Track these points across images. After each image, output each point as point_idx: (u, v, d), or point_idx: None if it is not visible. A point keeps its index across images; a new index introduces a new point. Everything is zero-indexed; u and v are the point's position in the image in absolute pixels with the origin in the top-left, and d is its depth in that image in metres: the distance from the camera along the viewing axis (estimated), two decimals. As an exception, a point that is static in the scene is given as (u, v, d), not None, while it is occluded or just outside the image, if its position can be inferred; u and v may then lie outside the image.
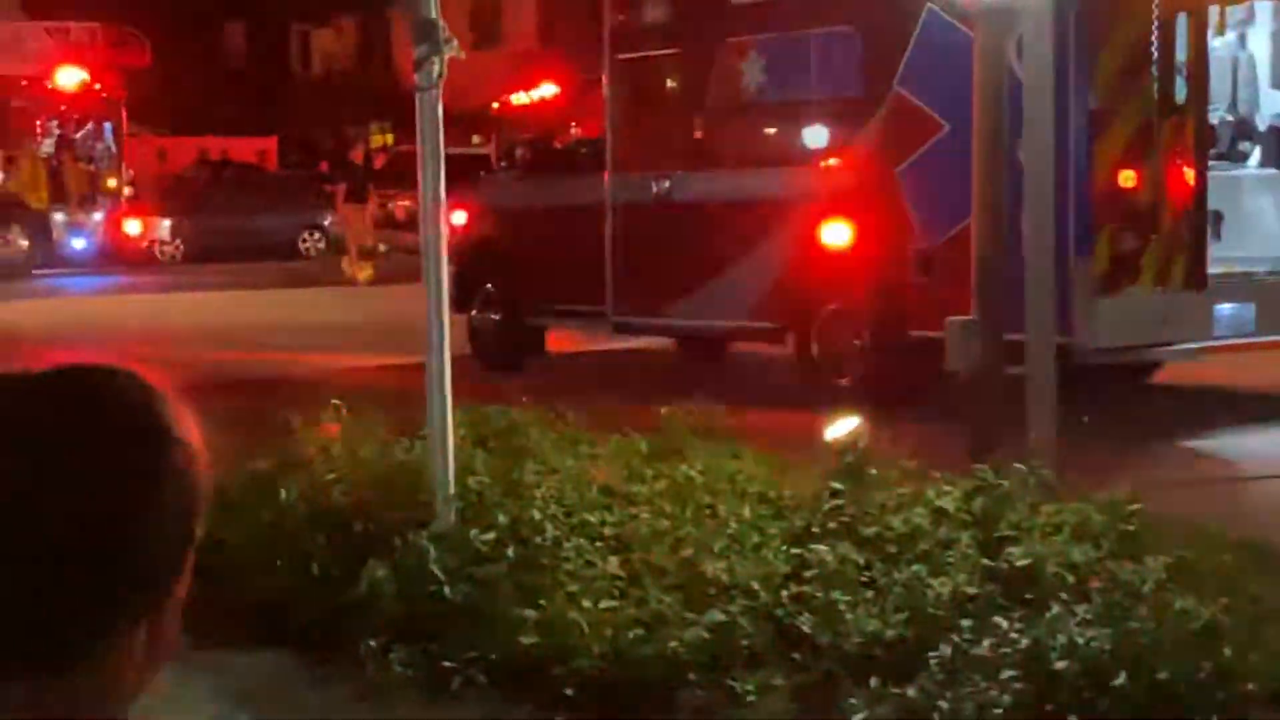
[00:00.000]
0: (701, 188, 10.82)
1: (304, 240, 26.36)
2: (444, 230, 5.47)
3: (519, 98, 17.73)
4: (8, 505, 1.07)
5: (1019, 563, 4.93)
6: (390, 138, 27.74)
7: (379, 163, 26.63)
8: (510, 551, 5.09)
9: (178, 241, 25.46)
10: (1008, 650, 4.29)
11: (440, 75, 5.19)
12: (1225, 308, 9.07)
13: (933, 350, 8.39)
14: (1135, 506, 5.33)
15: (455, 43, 5.20)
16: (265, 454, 6.12)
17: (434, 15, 5.05)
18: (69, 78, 24.07)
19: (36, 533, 1.07)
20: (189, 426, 1.13)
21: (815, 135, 10.45)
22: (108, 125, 25.20)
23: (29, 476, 1.07)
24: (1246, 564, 5.40)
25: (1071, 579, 4.81)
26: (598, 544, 5.21)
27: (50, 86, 24.28)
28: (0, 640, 1.08)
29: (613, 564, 5.00)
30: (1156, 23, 8.71)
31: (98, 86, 24.76)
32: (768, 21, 10.48)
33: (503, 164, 13.60)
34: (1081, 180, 8.49)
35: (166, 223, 25.53)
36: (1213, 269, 9.29)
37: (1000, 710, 4.08)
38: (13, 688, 1.09)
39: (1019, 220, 6.95)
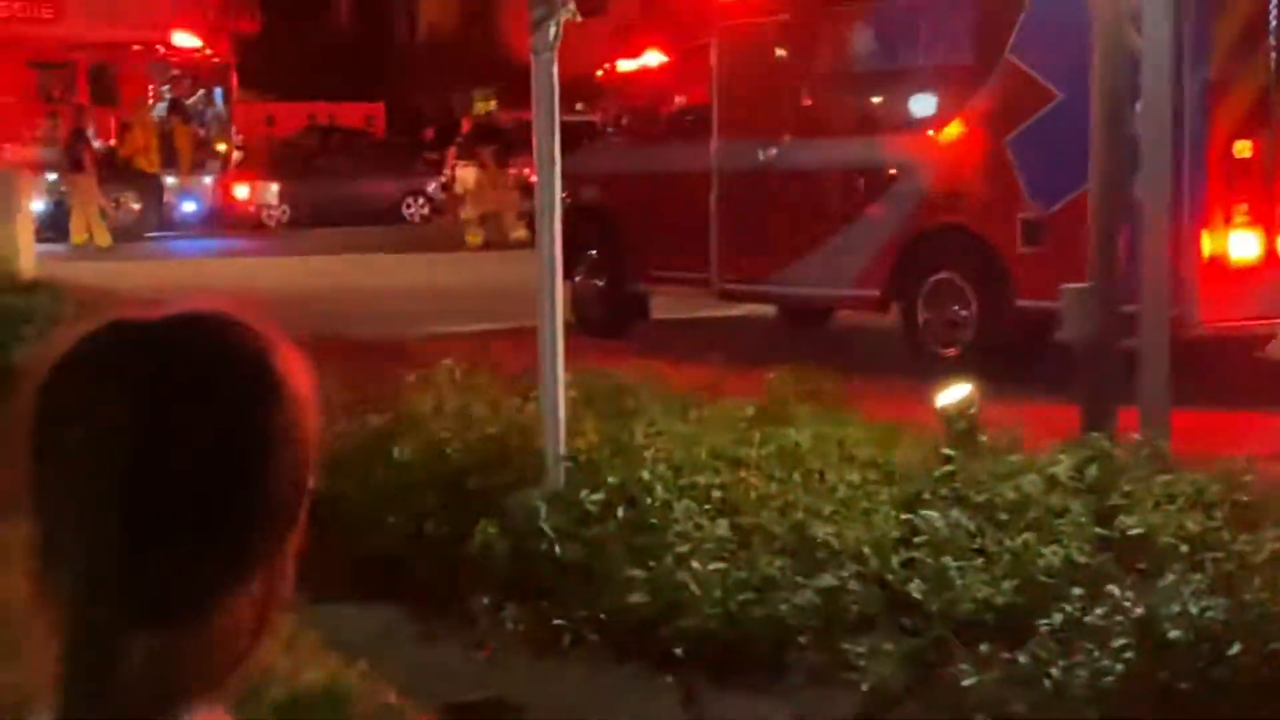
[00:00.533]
0: (809, 155, 10.72)
1: (408, 205, 26.52)
2: (558, 193, 5.49)
3: (625, 65, 17.72)
4: (115, 454, 1.06)
5: (1132, 531, 4.90)
6: (494, 104, 27.53)
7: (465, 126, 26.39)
8: (619, 512, 5.13)
9: (284, 206, 25.52)
10: (1120, 619, 4.24)
11: (556, 37, 5.23)
12: None
13: (1041, 320, 8.41)
14: (1250, 476, 5.28)
15: (571, 5, 5.23)
16: (379, 412, 6.17)
17: None
18: (181, 43, 24.40)
19: (147, 483, 1.06)
20: (302, 377, 1.11)
21: (924, 103, 10.31)
22: (218, 90, 25.67)
23: (137, 426, 1.06)
24: None
25: (1185, 548, 4.76)
26: (706, 506, 5.20)
27: (163, 51, 24.66)
28: (113, 596, 1.07)
29: (722, 526, 5.01)
30: None
31: (209, 52, 25.16)
32: None
33: (609, 131, 13.49)
34: (1197, 151, 8.31)
35: (274, 187, 25.57)
36: None
37: (1112, 678, 4.04)
38: (128, 645, 1.08)
39: (1132, 191, 6.86)
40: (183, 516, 1.06)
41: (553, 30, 5.24)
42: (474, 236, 20.54)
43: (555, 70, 5.42)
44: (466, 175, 22.26)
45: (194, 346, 1.09)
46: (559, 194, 5.53)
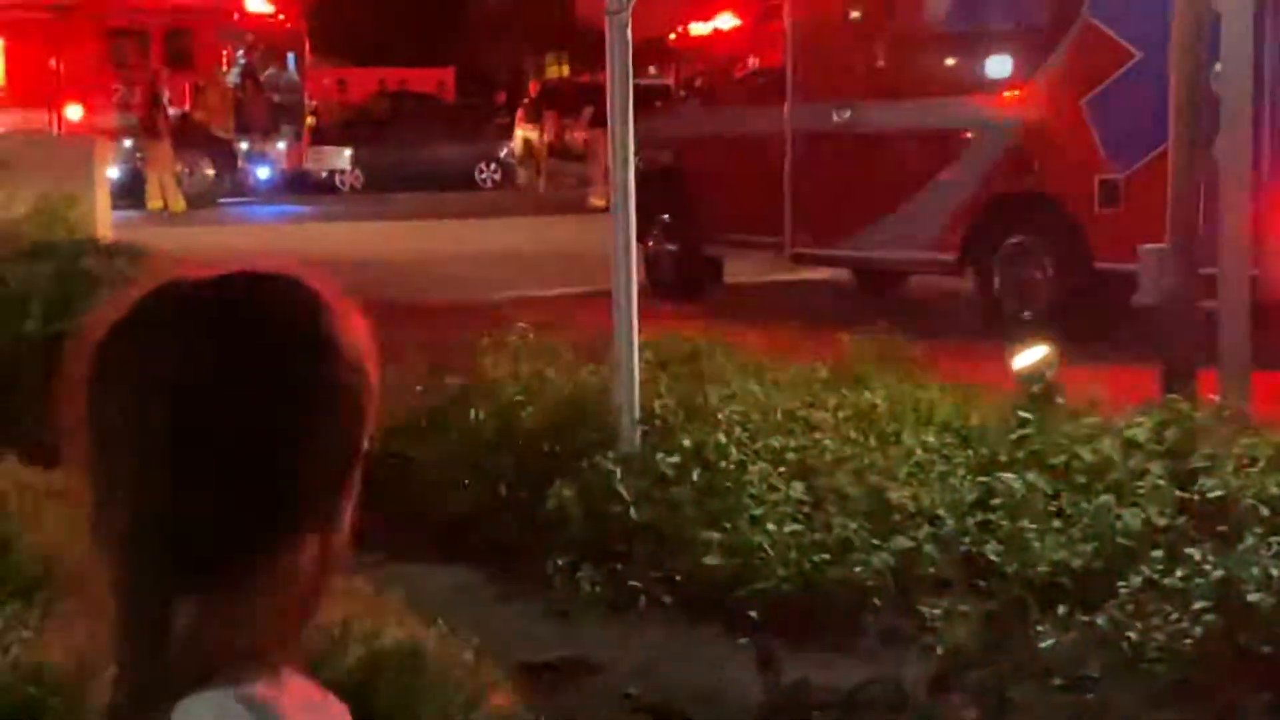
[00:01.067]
0: (883, 117, 10.78)
1: (480, 171, 26.76)
2: (631, 157, 5.47)
3: (698, 28, 17.78)
4: (161, 411, 1.07)
5: (1212, 494, 4.87)
6: (566, 69, 28.60)
7: (532, 91, 27.55)
8: (694, 474, 5.14)
9: (357, 171, 25.85)
10: (1200, 581, 4.25)
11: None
12: None
13: (1118, 282, 8.46)
14: None
15: None
16: (455, 376, 6.21)
17: None
18: (254, 8, 24.70)
19: (192, 440, 1.07)
20: (358, 338, 1.11)
21: (1001, 64, 10.27)
22: (291, 56, 25.73)
23: (182, 383, 1.07)
24: None
25: (1266, 511, 4.73)
26: (781, 469, 5.22)
27: (236, 17, 24.84)
28: (160, 554, 1.09)
29: (797, 489, 5.01)
30: None
31: (281, 17, 25.41)
32: None
33: (682, 94, 13.63)
34: (1277, 111, 8.27)
35: (347, 152, 25.82)
36: None
37: (1190, 641, 4.04)
38: (184, 604, 1.09)
39: (1211, 151, 6.83)
40: (228, 474, 1.07)
41: None
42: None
43: (629, 32, 5.41)
44: (530, 137, 22.94)
45: (242, 305, 1.10)
46: (632, 158, 5.49)
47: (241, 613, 1.10)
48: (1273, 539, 4.51)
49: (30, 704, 2.77)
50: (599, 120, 20.81)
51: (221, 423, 1.07)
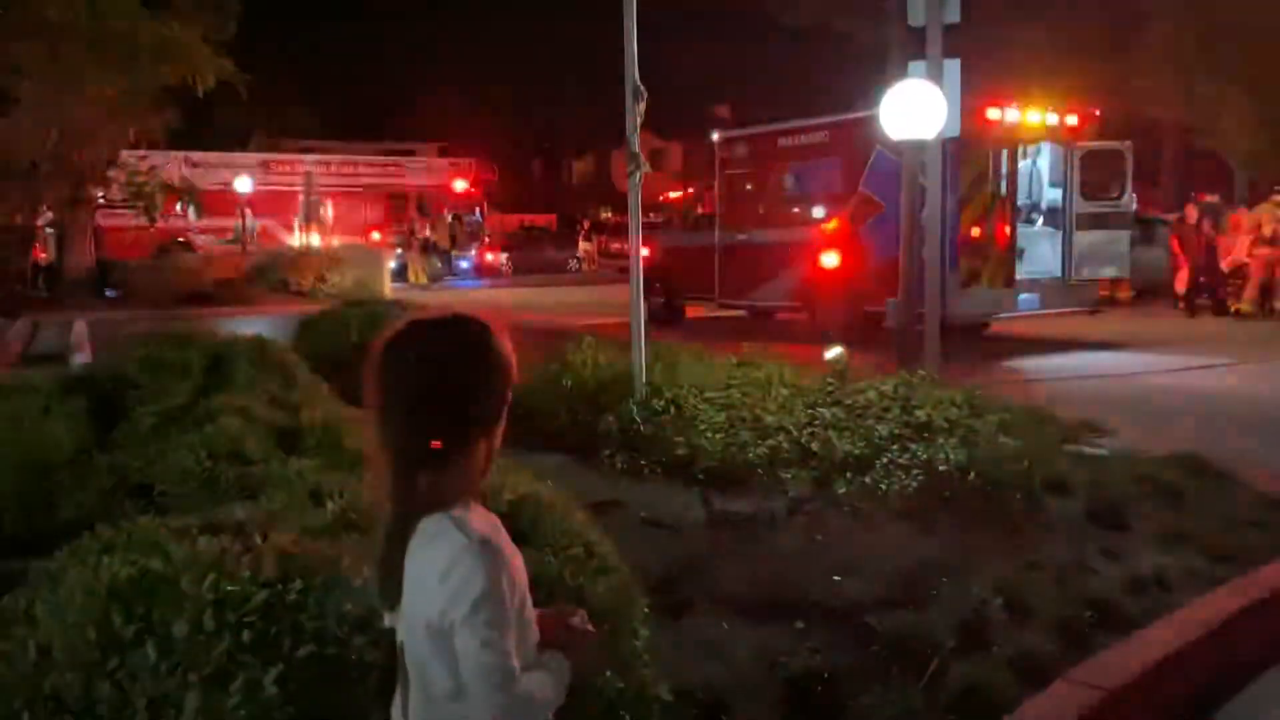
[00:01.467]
0: (764, 236, 15.29)
1: (570, 264, 38.44)
2: (640, 257, 6.82)
3: (673, 194, 25.10)
4: (409, 382, 1.53)
5: (921, 418, 5.95)
6: (609, 212, 44.27)
7: (584, 225, 42.72)
8: (671, 411, 6.17)
9: (510, 264, 36.32)
10: (915, 459, 5.29)
11: (639, 179, 6.52)
12: (1023, 296, 12.93)
13: (877, 316, 12.94)
14: (978, 390, 6.76)
15: (646, 164, 6.53)
16: (555, 361, 7.15)
17: (636, 150, 6.39)
18: (458, 187, 36.11)
19: (423, 397, 1.53)
20: (505, 343, 1.59)
21: (821, 210, 14.60)
22: (478, 208, 36.51)
23: (417, 367, 1.54)
24: (1038, 421, 6.71)
25: (947, 425, 5.80)
26: (714, 406, 6.24)
27: (451, 189, 36.15)
28: (409, 449, 1.53)
29: (721, 417, 6.06)
30: (990, 153, 12.49)
31: (472, 189, 36.67)
32: (797, 156, 14.71)
33: (668, 225, 18.38)
34: (953, 233, 11.75)
35: (504, 255, 36.76)
36: (1018, 277, 13.32)
37: (912, 489, 5.07)
38: (421, 474, 1.54)
39: (921, 253, 9.39)
40: (440, 414, 1.53)
41: (638, 175, 6.47)
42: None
43: (639, 196, 6.59)
44: (587, 247, 37.90)
45: (450, 325, 1.58)
46: (641, 258, 6.87)
47: (449, 477, 1.55)
48: (950, 440, 5.49)
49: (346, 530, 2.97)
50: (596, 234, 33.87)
51: (442, 383, 1.53)
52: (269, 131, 41.95)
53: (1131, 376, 11.38)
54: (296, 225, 32.72)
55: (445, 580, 1.49)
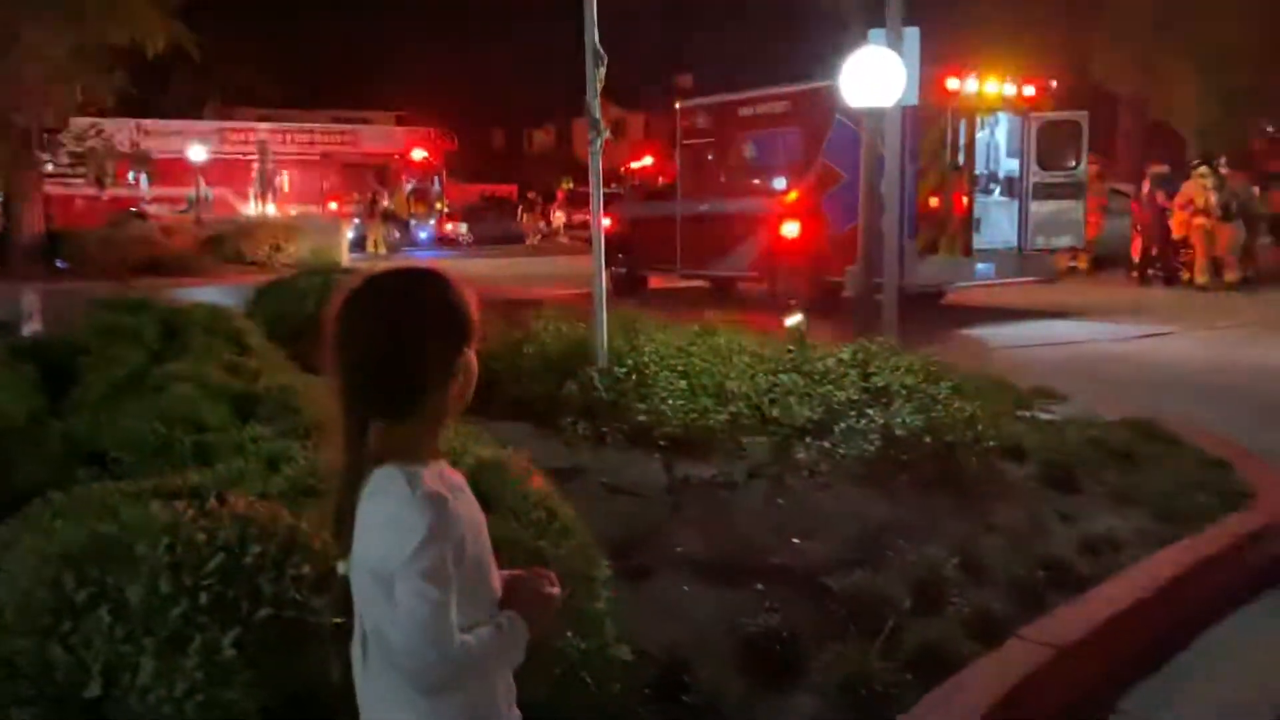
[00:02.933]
0: (725, 206, 15.18)
1: (529, 235, 38.57)
2: (602, 227, 6.69)
3: (635, 164, 26.36)
4: (364, 334, 1.54)
5: (878, 384, 6.07)
6: (571, 183, 43.28)
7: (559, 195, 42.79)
8: (633, 377, 6.14)
9: (470, 234, 36.70)
10: (873, 424, 5.37)
11: (600, 146, 6.39)
12: (981, 265, 13.16)
13: (837, 286, 12.91)
14: (934, 357, 6.88)
15: (607, 130, 6.38)
16: (518, 329, 7.19)
17: (597, 115, 6.20)
18: (416, 156, 35.95)
19: (376, 350, 1.53)
20: (465, 294, 1.59)
21: (781, 180, 14.67)
22: (436, 178, 36.42)
23: (373, 320, 1.55)
24: (993, 387, 6.89)
25: (905, 391, 5.88)
26: (675, 374, 6.24)
27: (409, 159, 35.98)
28: (361, 403, 1.55)
29: (682, 384, 6.06)
30: (948, 122, 12.57)
31: (431, 158, 36.45)
32: (757, 125, 14.67)
33: (630, 195, 18.59)
34: (911, 203, 11.81)
35: (464, 225, 37.15)
36: (975, 247, 13.52)
37: (871, 452, 5.14)
38: (373, 428, 1.57)
39: (880, 223, 9.60)
40: (392, 367, 1.53)
41: (598, 143, 6.34)
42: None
43: (600, 165, 6.47)
44: (556, 218, 37.71)
45: (408, 277, 1.61)
46: (603, 228, 6.75)
47: (401, 430, 1.56)
48: (906, 405, 5.55)
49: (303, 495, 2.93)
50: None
51: (394, 335, 1.53)
52: (223, 99, 41.20)
53: (1084, 344, 11.57)
54: (251, 194, 32.42)
55: (387, 530, 1.50)
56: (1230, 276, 17.35)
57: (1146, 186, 18.91)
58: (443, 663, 1.50)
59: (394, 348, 1.52)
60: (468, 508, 1.61)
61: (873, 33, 9.08)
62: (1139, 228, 18.73)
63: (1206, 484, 5.39)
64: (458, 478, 1.65)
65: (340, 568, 1.61)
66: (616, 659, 2.97)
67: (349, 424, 1.55)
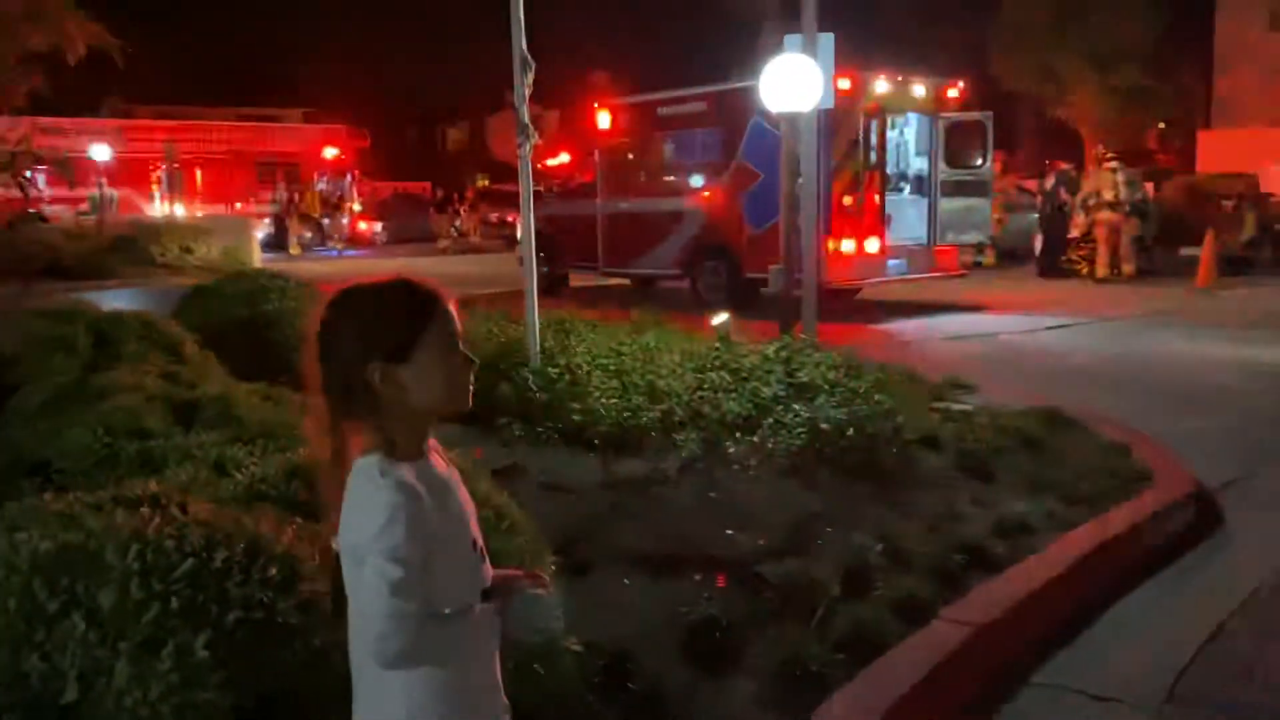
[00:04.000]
0: (645, 205, 15.30)
1: (445, 235, 36.63)
2: (531, 225, 6.90)
3: (551, 160, 26.29)
4: (336, 334, 1.69)
5: (802, 379, 6.18)
6: (486, 181, 44.08)
7: (470, 194, 41.15)
8: (566, 377, 6.21)
9: (384, 233, 35.36)
10: (798, 419, 5.50)
11: (529, 150, 6.48)
12: (893, 261, 13.56)
13: (755, 283, 13.38)
14: (852, 351, 6.97)
15: (536, 135, 6.45)
16: None
17: (526, 120, 6.28)
18: (329, 154, 35.50)
19: (348, 347, 1.68)
20: (437, 290, 1.73)
21: (700, 179, 14.79)
22: (348, 175, 35.50)
23: (342, 323, 1.68)
24: (909, 381, 7.20)
25: (827, 386, 6.02)
26: (608, 373, 6.34)
27: (321, 157, 35.37)
28: (343, 395, 1.68)
29: (614, 383, 6.16)
30: (861, 124, 13.03)
31: (343, 156, 35.97)
32: (676, 125, 14.75)
33: (547, 194, 18.27)
34: (827, 201, 12.09)
35: (379, 225, 35.74)
36: (888, 243, 13.87)
37: (797, 445, 5.29)
38: (344, 425, 1.72)
39: (798, 220, 9.73)
40: (337, 374, 1.69)
41: (528, 146, 6.41)
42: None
43: (530, 165, 6.58)
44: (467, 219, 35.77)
45: (387, 288, 1.72)
46: (533, 227, 6.94)
47: (372, 426, 1.70)
48: (830, 399, 5.71)
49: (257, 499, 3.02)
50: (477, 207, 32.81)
51: (336, 342, 1.68)
52: (123, 96, 39.71)
53: (992, 336, 12.04)
54: (156, 194, 31.49)
55: (358, 511, 1.62)
56: (1128, 269, 18.11)
57: (1050, 183, 19.64)
58: (398, 637, 1.59)
59: (335, 356, 1.67)
60: (453, 499, 1.73)
61: (788, 39, 9.35)
62: (1041, 223, 19.45)
63: (1109, 468, 5.72)
64: (446, 472, 1.76)
65: (334, 544, 1.72)
66: (567, 650, 3.09)
67: (329, 420, 1.69)
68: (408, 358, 1.66)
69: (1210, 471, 6.06)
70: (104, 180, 28.29)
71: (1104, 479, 5.40)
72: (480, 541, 1.80)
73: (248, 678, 2.29)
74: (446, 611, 1.67)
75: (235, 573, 2.38)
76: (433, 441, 1.80)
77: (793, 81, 8.91)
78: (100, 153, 28.45)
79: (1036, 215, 19.72)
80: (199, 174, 33.14)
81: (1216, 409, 7.95)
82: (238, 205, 32.68)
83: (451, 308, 1.74)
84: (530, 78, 6.24)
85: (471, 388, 1.78)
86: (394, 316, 1.67)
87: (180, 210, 28.85)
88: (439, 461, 1.78)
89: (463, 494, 1.79)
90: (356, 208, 35.96)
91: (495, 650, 1.80)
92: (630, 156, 16.14)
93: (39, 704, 2.12)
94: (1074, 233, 18.80)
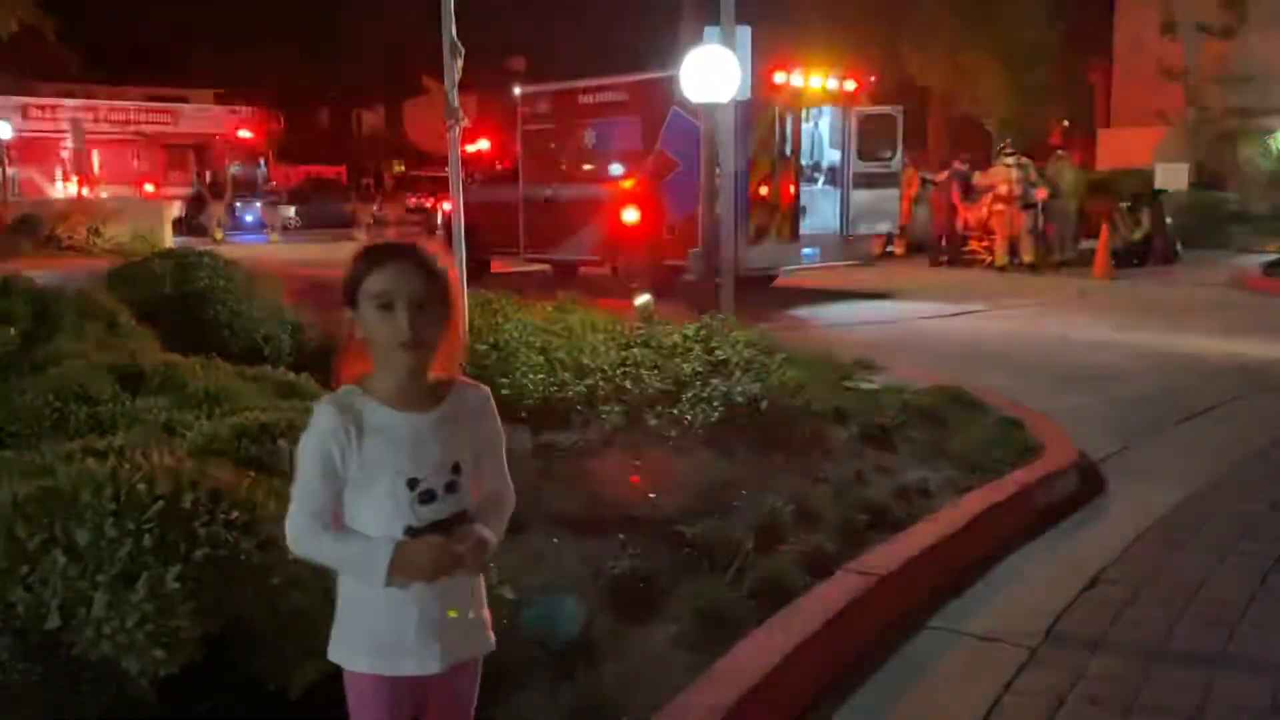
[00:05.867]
0: (567, 192, 15.55)
1: (361, 222, 35.86)
2: (461, 208, 6.68)
3: (470, 146, 25.49)
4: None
5: (720, 357, 6.46)
6: (402, 166, 44.50)
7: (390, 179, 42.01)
8: (494, 355, 6.30)
9: (297, 219, 34.94)
10: (716, 393, 5.76)
11: (458, 134, 6.35)
12: (806, 250, 14.01)
13: (675, 269, 13.73)
14: (767, 332, 7.41)
15: (466, 119, 6.33)
16: None
17: (455, 104, 6.20)
18: (242, 135, 35.42)
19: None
20: (447, 257, 1.93)
21: (621, 167, 14.96)
22: (262, 160, 36.35)
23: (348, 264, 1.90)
24: (820, 360, 7.50)
25: (743, 363, 6.30)
26: (534, 350, 6.47)
27: (232, 140, 35.35)
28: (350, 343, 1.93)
29: (541, 359, 6.31)
30: (776, 116, 13.42)
31: (255, 138, 36.04)
32: (597, 113, 14.93)
33: (469, 179, 18.90)
34: (743, 191, 12.40)
35: (292, 209, 35.33)
36: (801, 232, 14.21)
37: (715, 418, 5.54)
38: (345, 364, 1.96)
39: (716, 208, 10.19)
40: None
41: (457, 129, 6.29)
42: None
43: (458, 148, 6.41)
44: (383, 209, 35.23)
45: (406, 248, 1.96)
46: (461, 208, 6.69)
47: (345, 363, 1.97)
48: (745, 375, 5.99)
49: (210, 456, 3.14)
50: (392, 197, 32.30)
51: (343, 282, 1.91)
52: (21, 72, 38.26)
53: (899, 321, 12.56)
54: (59, 175, 30.56)
55: None
56: (1028, 259, 18.89)
57: (944, 177, 20.39)
58: (289, 528, 1.92)
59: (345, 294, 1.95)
60: (378, 442, 1.90)
61: (708, 30, 9.67)
62: (935, 215, 20.22)
63: (1003, 440, 6.13)
64: (403, 418, 1.94)
65: None
66: (502, 598, 3.34)
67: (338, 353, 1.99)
68: (355, 306, 1.88)
69: (1094, 444, 6.55)
70: (4, 158, 27.40)
71: (998, 450, 5.79)
72: (433, 485, 1.96)
73: (214, 609, 2.50)
74: (351, 529, 1.90)
75: (201, 513, 2.58)
76: (455, 384, 2.03)
77: (711, 73, 9.23)
78: (1, 130, 27.53)
79: (929, 207, 20.50)
80: (104, 154, 32.09)
81: (1103, 388, 8.52)
82: (148, 188, 31.75)
83: (393, 268, 1.88)
84: (460, 64, 6.40)
85: (406, 347, 1.90)
86: (350, 268, 1.89)
87: (85, 192, 27.99)
88: (422, 405, 1.97)
89: (434, 440, 1.98)
90: (270, 191, 35.50)
91: (379, 584, 1.93)
92: (552, 144, 16.30)
93: (25, 630, 2.31)
94: (959, 226, 19.58)
